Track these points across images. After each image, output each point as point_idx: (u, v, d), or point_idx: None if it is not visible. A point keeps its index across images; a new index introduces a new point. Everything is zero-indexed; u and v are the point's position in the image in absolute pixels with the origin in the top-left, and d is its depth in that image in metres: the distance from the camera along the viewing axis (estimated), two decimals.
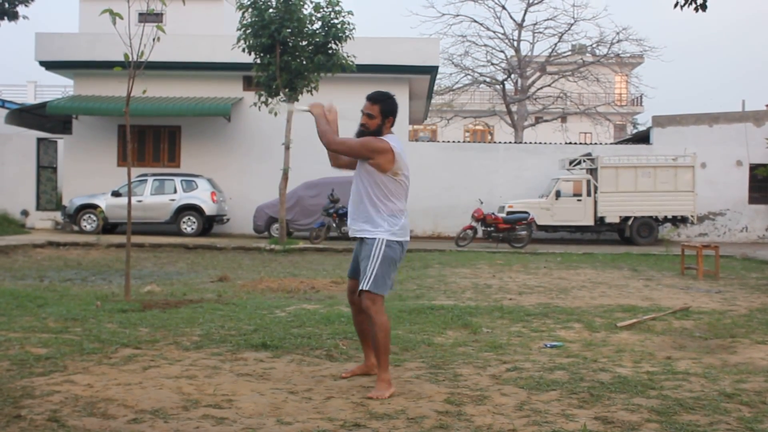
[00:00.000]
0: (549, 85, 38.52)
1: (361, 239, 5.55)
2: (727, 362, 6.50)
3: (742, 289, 12.40)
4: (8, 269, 14.09)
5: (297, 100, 20.40)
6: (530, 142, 30.71)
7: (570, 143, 31.64)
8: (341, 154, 5.65)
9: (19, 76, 69.65)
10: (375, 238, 5.43)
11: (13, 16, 26.43)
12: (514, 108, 38.55)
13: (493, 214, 22.66)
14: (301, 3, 19.96)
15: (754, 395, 5.31)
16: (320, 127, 5.54)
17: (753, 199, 27.17)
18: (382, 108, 5.48)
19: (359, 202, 5.56)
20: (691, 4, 14.46)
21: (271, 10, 19.83)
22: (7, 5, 26.20)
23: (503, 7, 38.35)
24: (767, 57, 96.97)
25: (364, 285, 5.37)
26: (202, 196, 23.91)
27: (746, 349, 7.12)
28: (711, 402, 5.10)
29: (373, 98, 5.53)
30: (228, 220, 25.29)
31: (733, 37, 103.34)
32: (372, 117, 5.49)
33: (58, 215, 26.11)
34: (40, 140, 27.27)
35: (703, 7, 14.34)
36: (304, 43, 20.33)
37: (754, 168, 26.79)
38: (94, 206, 23.45)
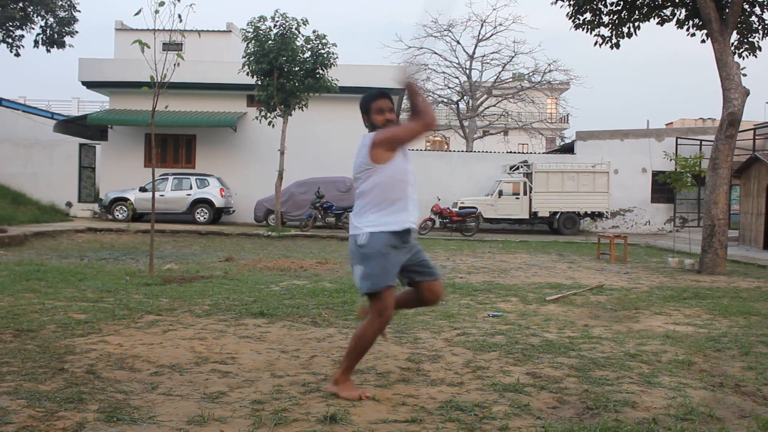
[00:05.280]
0: (494, 105, 38.72)
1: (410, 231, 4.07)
2: (631, 329, 6.57)
3: (645, 271, 12.54)
4: (55, 250, 13.92)
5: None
6: (479, 151, 30.76)
7: (511, 152, 31.67)
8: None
9: (65, 93, 68.73)
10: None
11: (61, 45, 27.72)
12: (466, 123, 38.60)
13: (448, 208, 22.74)
14: (295, 36, 19.94)
15: (652, 355, 5.38)
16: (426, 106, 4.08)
17: (654, 199, 27.47)
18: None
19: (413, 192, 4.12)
20: (607, 43, 14.72)
21: (269, 42, 19.80)
22: (56, 36, 26.90)
23: (458, 42, 38.63)
24: (665, 85, 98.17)
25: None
26: (213, 192, 23.77)
27: (647, 319, 7.20)
28: (618, 360, 5.15)
29: (386, 94, 4.25)
30: (234, 211, 25.15)
31: (641, 69, 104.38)
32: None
33: (95, 206, 25.82)
34: (81, 145, 26.92)
35: (617, 45, 14.74)
36: (297, 68, 20.23)
37: (655, 174, 26.97)
38: (125, 199, 23.31)
